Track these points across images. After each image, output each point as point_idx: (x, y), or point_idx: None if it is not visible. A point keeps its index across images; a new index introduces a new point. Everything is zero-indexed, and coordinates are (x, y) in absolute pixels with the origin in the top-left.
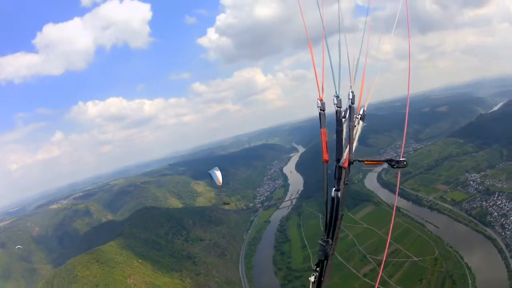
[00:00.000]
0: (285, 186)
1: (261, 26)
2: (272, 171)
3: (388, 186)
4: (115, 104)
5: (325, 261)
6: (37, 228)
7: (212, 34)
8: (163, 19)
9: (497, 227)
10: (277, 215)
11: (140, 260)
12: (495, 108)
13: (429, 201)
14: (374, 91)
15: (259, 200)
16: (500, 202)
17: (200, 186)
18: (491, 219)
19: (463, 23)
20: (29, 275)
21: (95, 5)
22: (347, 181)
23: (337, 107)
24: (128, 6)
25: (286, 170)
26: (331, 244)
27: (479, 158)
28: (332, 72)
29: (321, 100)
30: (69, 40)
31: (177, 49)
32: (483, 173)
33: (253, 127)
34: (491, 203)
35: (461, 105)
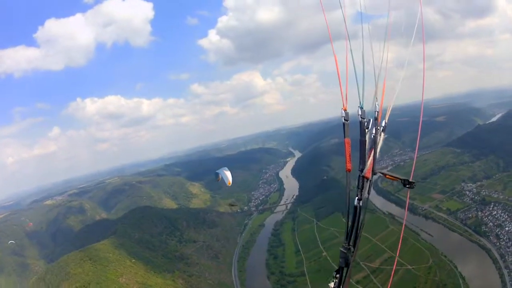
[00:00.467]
0: (281, 190)
1: (262, 29)
2: (268, 175)
3: (383, 193)
4: (113, 102)
5: (345, 268)
6: (31, 224)
7: (213, 36)
8: (165, 18)
9: (492, 237)
10: (272, 219)
11: (133, 260)
12: (493, 119)
13: (424, 209)
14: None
15: (254, 204)
16: (495, 212)
17: (195, 188)
18: (486, 229)
19: (464, 34)
20: (21, 270)
21: (98, 1)
22: (369, 191)
23: (361, 118)
24: (131, 4)
25: (282, 174)
26: (353, 252)
27: (475, 168)
28: (357, 83)
29: (345, 110)
30: (70, 36)
31: (177, 49)
32: (479, 183)
33: (250, 131)
34: (486, 213)
35: (459, 115)
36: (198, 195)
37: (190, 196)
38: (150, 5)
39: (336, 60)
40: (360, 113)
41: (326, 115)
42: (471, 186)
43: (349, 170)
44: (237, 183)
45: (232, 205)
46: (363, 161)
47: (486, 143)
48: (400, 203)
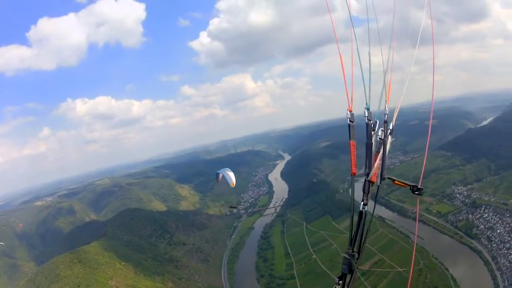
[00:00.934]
0: (270, 193)
1: (254, 32)
2: (257, 177)
3: (372, 196)
4: (103, 102)
5: (348, 275)
6: (21, 224)
7: (204, 38)
8: (157, 19)
9: (483, 240)
10: (261, 222)
11: (123, 263)
12: (485, 123)
13: (414, 212)
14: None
15: (244, 206)
16: (486, 215)
17: (184, 190)
18: (477, 231)
19: (457, 38)
20: (11, 272)
21: (91, 1)
22: (377, 196)
23: (367, 119)
24: (123, 4)
25: (271, 177)
26: (357, 258)
27: (466, 172)
28: (364, 83)
29: (350, 111)
30: (63, 35)
31: (168, 51)
32: (470, 186)
33: (240, 133)
34: (477, 216)
35: (450, 119)
36: (187, 197)
37: (179, 198)
38: (142, 6)
39: (341, 60)
40: (366, 114)
41: (316, 118)
42: (461, 189)
43: (354, 174)
44: (226, 185)
45: (232, 207)
46: (369, 165)
47: (477, 147)
48: (389, 206)
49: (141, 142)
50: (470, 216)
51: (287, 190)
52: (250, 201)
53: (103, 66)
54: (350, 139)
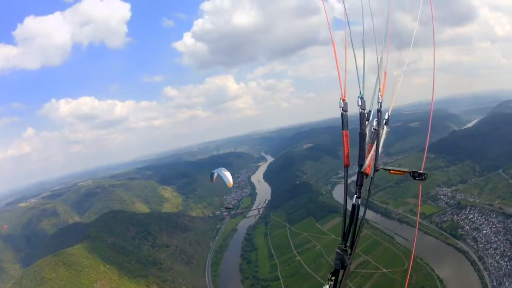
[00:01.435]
0: (253, 195)
1: (238, 33)
2: (240, 179)
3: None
4: (87, 103)
5: (341, 270)
6: (6, 226)
7: (188, 39)
8: (142, 20)
9: (469, 240)
10: (244, 224)
11: (107, 265)
12: (469, 125)
13: (398, 214)
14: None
15: (232, 207)
16: (472, 216)
17: (167, 192)
18: (463, 232)
19: (442, 41)
20: None
21: (77, 0)
22: (372, 188)
23: (361, 109)
24: (109, 4)
25: (254, 179)
26: (350, 253)
27: (450, 173)
28: (357, 71)
29: (343, 100)
30: (48, 34)
31: (152, 52)
32: (454, 187)
33: (222, 135)
34: (462, 217)
35: (434, 121)
36: (170, 199)
37: (162, 200)
38: (127, 6)
39: (334, 46)
40: (360, 103)
41: (299, 120)
42: (446, 190)
43: (347, 165)
44: (209, 187)
45: (228, 208)
46: (362, 156)
47: (462, 149)
48: (373, 207)
49: (124, 143)
50: (455, 217)
51: (270, 192)
52: (233, 203)
53: (87, 66)
54: (343, 129)
